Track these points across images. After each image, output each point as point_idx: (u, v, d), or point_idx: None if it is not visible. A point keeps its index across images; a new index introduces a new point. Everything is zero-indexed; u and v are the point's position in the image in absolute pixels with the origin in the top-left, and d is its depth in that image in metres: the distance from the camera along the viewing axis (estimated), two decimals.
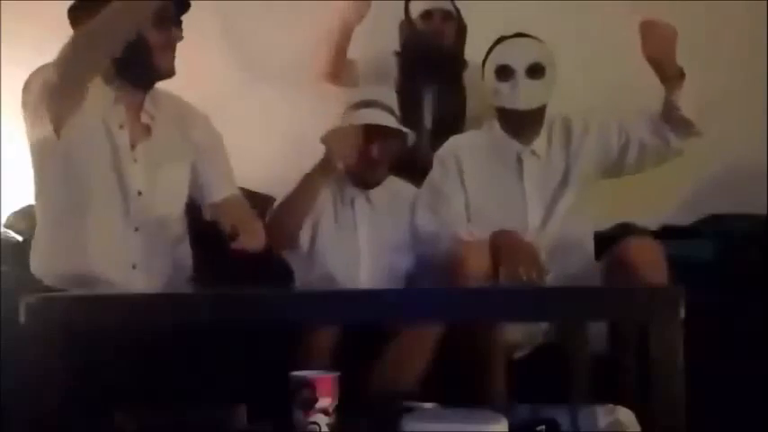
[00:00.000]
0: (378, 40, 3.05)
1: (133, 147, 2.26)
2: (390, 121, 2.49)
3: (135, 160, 2.25)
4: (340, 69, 2.99)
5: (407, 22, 2.99)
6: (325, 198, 2.51)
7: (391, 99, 2.56)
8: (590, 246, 2.51)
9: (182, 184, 2.36)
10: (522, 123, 2.52)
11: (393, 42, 3.04)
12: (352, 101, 2.51)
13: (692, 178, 3.16)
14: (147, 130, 2.29)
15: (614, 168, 2.54)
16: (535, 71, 2.47)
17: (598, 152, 2.52)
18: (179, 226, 2.34)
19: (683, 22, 3.06)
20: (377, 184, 2.54)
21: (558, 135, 2.55)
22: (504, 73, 2.48)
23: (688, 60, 3.05)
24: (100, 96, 2.24)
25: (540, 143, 2.54)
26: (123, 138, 2.25)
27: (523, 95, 2.47)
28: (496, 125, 2.57)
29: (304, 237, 2.49)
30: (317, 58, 3.00)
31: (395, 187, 2.58)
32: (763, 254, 2.58)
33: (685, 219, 2.99)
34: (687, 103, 2.42)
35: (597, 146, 2.52)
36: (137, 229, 2.23)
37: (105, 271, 2.18)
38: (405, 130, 2.52)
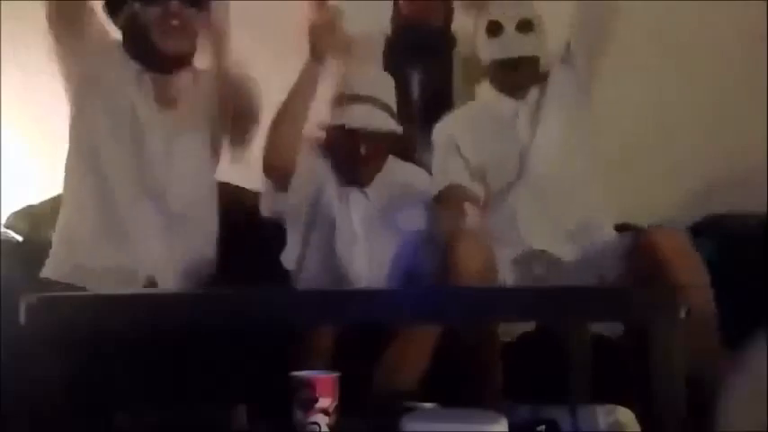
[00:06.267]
0: (370, 19, 3.05)
1: (160, 112, 2.27)
2: (385, 122, 2.44)
3: (159, 126, 2.26)
4: (324, 20, 2.99)
5: (395, 8, 2.99)
6: (322, 182, 2.45)
7: (388, 89, 2.50)
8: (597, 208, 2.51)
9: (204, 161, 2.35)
10: (514, 75, 2.55)
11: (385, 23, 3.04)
12: (345, 90, 2.45)
13: (692, 178, 3.16)
14: (173, 102, 2.29)
15: (579, 81, 2.56)
16: (524, 26, 2.52)
17: (562, 75, 2.56)
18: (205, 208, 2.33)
19: (683, 22, 3.09)
20: (368, 183, 2.49)
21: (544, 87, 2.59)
22: (493, 29, 2.54)
23: (688, 60, 3.07)
24: (122, 69, 2.27)
25: (533, 97, 2.57)
26: (150, 107, 2.26)
27: (514, 46, 2.53)
28: (489, 89, 2.62)
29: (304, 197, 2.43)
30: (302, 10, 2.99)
31: (389, 167, 2.53)
32: (763, 254, 2.58)
33: (685, 219, 2.99)
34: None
35: (561, 71, 2.57)
36: (157, 196, 2.24)
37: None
38: (398, 128, 2.47)
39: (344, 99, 2.43)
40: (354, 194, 2.47)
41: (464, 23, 2.96)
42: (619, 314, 1.85)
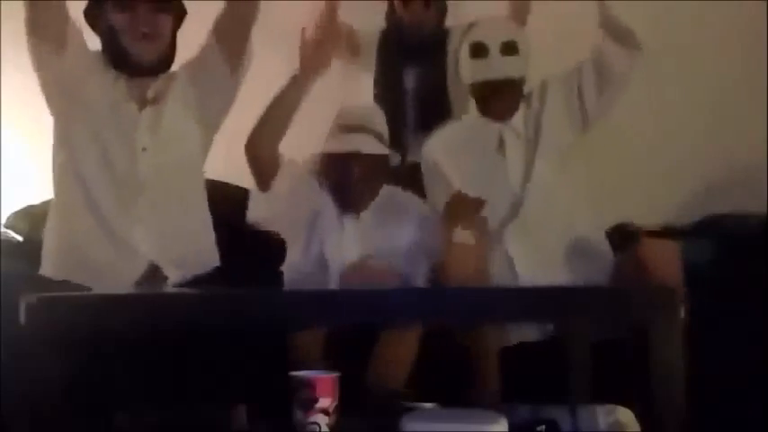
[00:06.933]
0: (365, 15, 3.07)
1: (140, 111, 2.28)
2: (377, 148, 2.46)
3: (140, 125, 2.27)
4: (333, 35, 3.02)
5: (389, 8, 3.03)
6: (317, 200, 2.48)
7: (380, 119, 2.52)
8: (594, 232, 2.51)
9: (193, 151, 2.36)
10: (498, 97, 2.53)
11: (380, 22, 3.08)
12: (341, 120, 2.48)
13: (692, 178, 3.16)
14: (154, 100, 2.30)
15: (580, 119, 2.54)
16: (509, 48, 2.50)
17: (561, 110, 2.54)
18: (197, 198, 2.36)
19: (683, 22, 3.09)
20: (362, 209, 2.48)
21: (530, 108, 2.57)
22: (477, 50, 2.52)
23: (688, 60, 3.07)
24: (99, 73, 2.28)
25: (517, 119, 2.55)
26: (130, 108, 2.27)
27: (497, 68, 2.50)
28: (474, 111, 2.60)
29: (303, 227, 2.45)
30: (310, 26, 3.02)
31: (384, 194, 2.53)
32: (763, 254, 2.58)
33: (685, 219, 2.99)
34: (626, 14, 2.45)
35: (559, 104, 2.54)
36: (143, 187, 2.24)
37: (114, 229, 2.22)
38: (392, 154, 2.51)
39: (338, 129, 2.46)
40: (349, 221, 2.46)
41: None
42: (619, 314, 1.85)
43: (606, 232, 2.62)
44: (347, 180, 2.43)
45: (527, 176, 2.50)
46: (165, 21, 2.29)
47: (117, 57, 2.28)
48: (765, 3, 3.10)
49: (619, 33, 2.44)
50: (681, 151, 3.11)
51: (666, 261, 2.18)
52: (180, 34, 2.37)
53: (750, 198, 2.90)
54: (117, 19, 2.25)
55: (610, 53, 2.46)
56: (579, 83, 2.51)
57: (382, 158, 2.49)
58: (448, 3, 3.05)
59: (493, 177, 2.51)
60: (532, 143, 2.53)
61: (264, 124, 2.42)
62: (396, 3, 3.00)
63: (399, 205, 2.52)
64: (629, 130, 2.78)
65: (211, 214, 2.39)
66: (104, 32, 2.29)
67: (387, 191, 2.53)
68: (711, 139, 3.13)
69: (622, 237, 2.56)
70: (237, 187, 2.88)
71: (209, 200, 2.40)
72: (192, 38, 2.37)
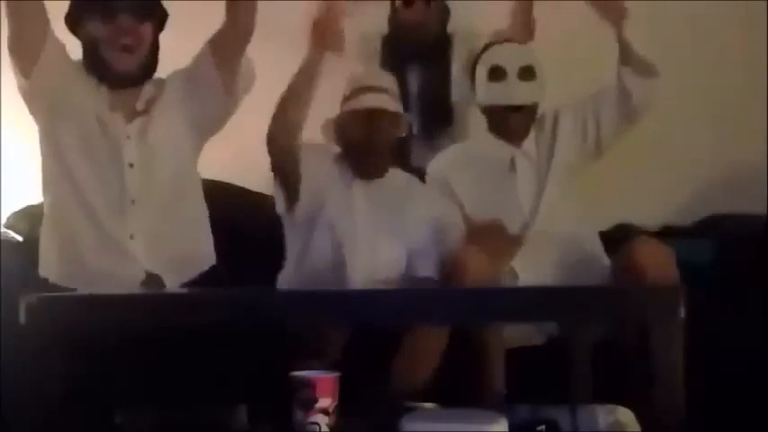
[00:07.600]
0: (369, 18, 3.07)
1: (128, 123, 2.25)
2: (396, 107, 2.47)
3: (128, 137, 2.24)
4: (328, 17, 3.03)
5: (392, 10, 3.03)
6: (329, 176, 2.47)
7: (395, 86, 2.53)
8: (596, 247, 2.50)
9: (184, 156, 2.32)
10: (512, 121, 2.54)
11: (382, 24, 3.08)
12: (359, 84, 2.46)
13: (692, 178, 3.17)
14: (144, 111, 2.27)
15: (594, 147, 2.55)
16: (527, 73, 2.51)
17: (575, 137, 2.55)
18: (191, 199, 2.34)
19: (683, 21, 3.09)
20: (378, 174, 2.48)
21: (542, 132, 2.58)
22: (496, 74, 2.52)
23: (688, 60, 3.07)
24: (83, 83, 2.26)
25: (529, 143, 2.56)
26: (115, 118, 2.24)
27: (515, 93, 2.51)
28: (484, 131, 2.61)
29: (309, 203, 2.44)
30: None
31: (395, 181, 2.53)
32: (763, 254, 2.58)
33: (685, 219, 2.99)
34: (640, 43, 2.45)
35: (573, 132, 2.55)
36: (133, 202, 2.22)
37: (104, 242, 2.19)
38: (406, 115, 2.52)
39: (356, 91, 2.44)
40: (359, 188, 2.46)
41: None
42: (619, 314, 1.85)
43: (605, 233, 2.62)
44: (367, 137, 2.42)
45: (537, 199, 2.51)
46: (147, 29, 2.25)
47: (98, 67, 2.25)
48: (765, 3, 3.10)
49: (640, 67, 2.43)
50: (681, 151, 3.11)
51: (662, 264, 2.18)
52: (173, 40, 2.33)
53: (750, 198, 2.90)
54: (98, 29, 2.21)
55: (630, 84, 2.46)
56: (598, 112, 2.52)
57: (400, 117, 2.48)
58: (450, 7, 3.05)
59: (504, 198, 2.52)
60: (544, 167, 2.54)
61: (282, 115, 2.36)
62: (397, 3, 3.00)
63: (409, 190, 2.52)
64: (629, 130, 2.78)
65: (213, 214, 2.39)
66: (85, 41, 2.26)
67: (397, 173, 2.53)
68: (711, 139, 3.13)
69: (621, 239, 2.56)
70: (237, 187, 2.89)
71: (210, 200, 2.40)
72: (185, 43, 2.35)
